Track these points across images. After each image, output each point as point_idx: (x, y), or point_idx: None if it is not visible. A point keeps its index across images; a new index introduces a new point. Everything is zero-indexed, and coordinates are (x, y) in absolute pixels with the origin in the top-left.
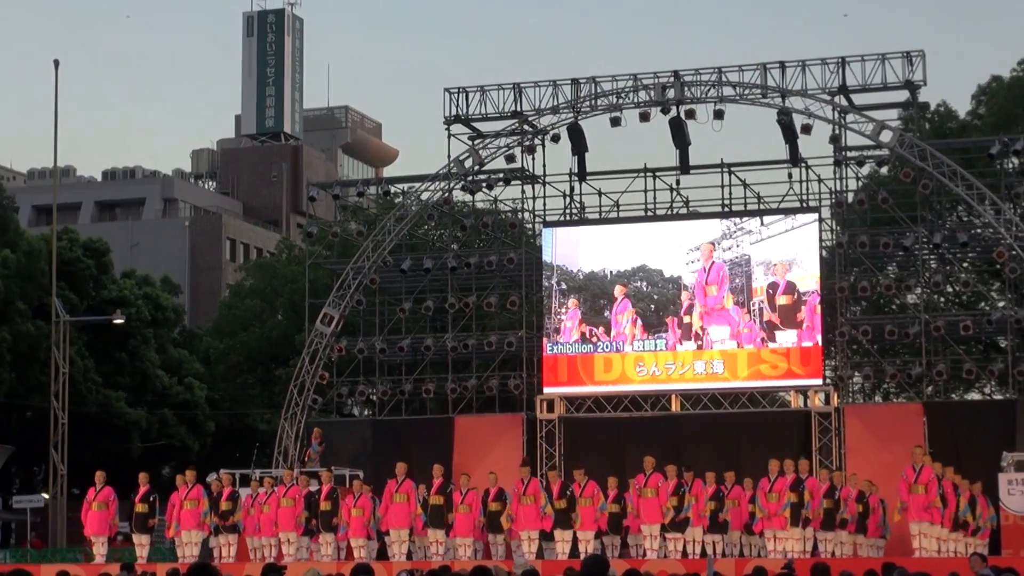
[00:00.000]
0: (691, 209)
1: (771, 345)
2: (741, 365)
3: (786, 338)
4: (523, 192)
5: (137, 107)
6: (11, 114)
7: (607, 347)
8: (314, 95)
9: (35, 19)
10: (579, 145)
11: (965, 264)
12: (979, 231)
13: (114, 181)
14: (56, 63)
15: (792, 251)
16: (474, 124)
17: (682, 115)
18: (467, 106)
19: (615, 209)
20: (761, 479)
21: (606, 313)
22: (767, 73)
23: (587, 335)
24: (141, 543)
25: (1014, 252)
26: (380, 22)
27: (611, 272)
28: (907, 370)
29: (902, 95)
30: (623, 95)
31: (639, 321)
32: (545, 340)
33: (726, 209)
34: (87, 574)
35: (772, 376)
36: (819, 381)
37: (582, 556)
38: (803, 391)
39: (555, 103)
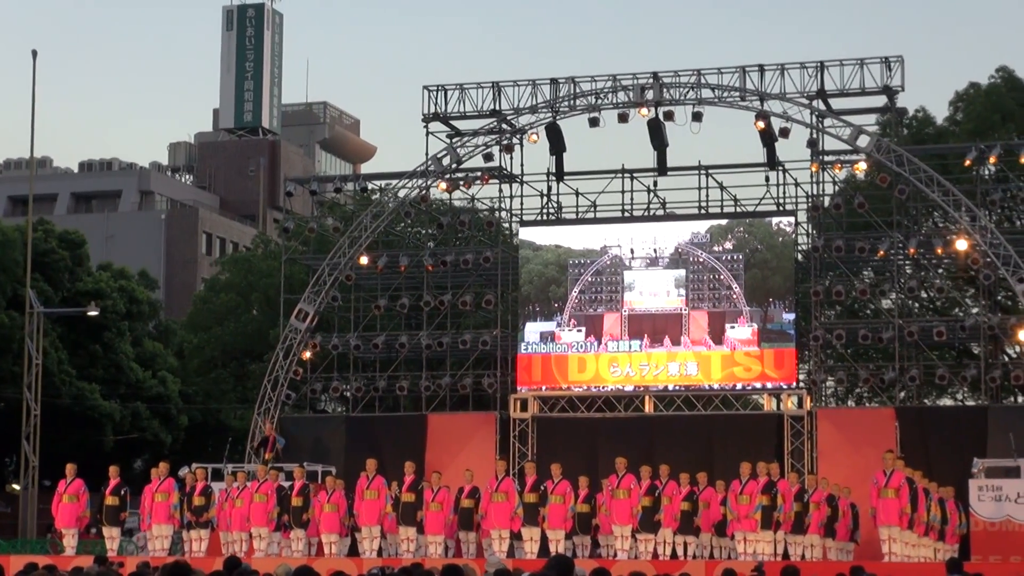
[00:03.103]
0: (668, 211)
1: (744, 349)
2: (715, 367)
3: (750, 340)
4: (500, 191)
5: (115, 99)
6: None
7: (581, 347)
8: (293, 90)
9: (13, 9)
10: (557, 145)
11: (940, 270)
12: (954, 237)
13: (90, 173)
14: (34, 53)
15: (766, 254)
16: (452, 122)
17: (660, 117)
18: (446, 104)
19: (592, 209)
20: (732, 481)
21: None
22: (746, 76)
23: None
24: (112, 536)
25: (988, 259)
26: (359, 18)
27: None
28: (880, 375)
29: (880, 100)
30: (602, 95)
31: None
32: (519, 339)
33: (703, 211)
34: (58, 566)
35: (745, 379)
36: (792, 384)
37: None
38: (776, 394)
39: (534, 102)
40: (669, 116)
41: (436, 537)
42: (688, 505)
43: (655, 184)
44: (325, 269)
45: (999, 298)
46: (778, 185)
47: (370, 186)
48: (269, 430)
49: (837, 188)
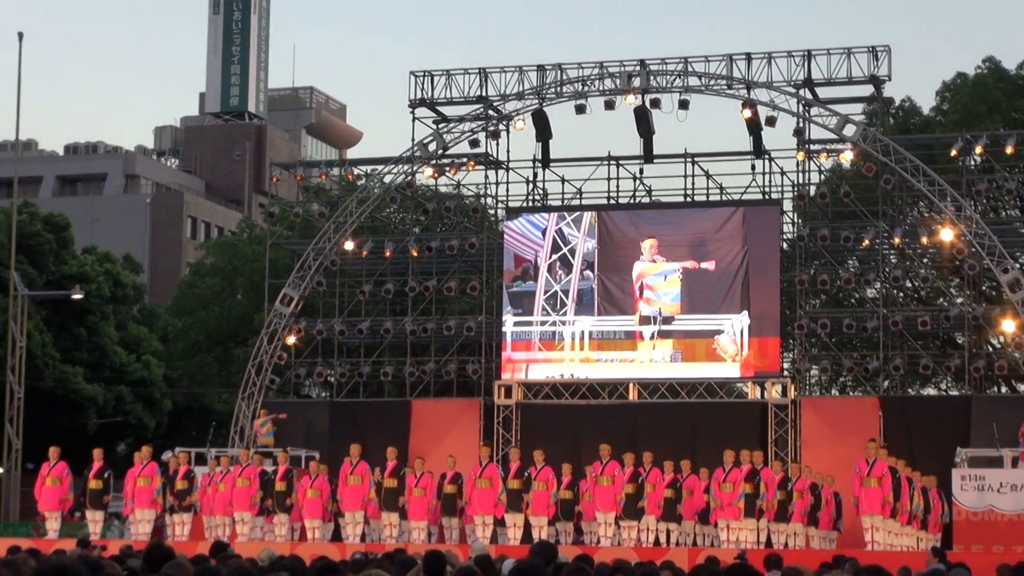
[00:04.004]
0: (654, 199)
1: (727, 336)
2: (699, 355)
3: (736, 328)
4: (486, 177)
5: (101, 82)
6: None
7: (566, 334)
8: (279, 75)
9: None
10: (543, 131)
11: (925, 260)
12: (939, 227)
13: (76, 156)
14: (20, 36)
15: (750, 242)
16: (439, 108)
17: (647, 104)
18: (432, 90)
19: (578, 196)
20: (716, 469)
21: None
22: (733, 64)
23: (544, 321)
24: (95, 519)
25: (973, 249)
26: (347, 4)
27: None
28: (864, 364)
29: (867, 89)
30: (588, 82)
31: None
32: (504, 326)
33: (688, 199)
34: (40, 549)
35: (730, 367)
36: (776, 373)
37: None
38: (760, 382)
39: (520, 89)
40: (655, 103)
41: (419, 523)
42: (671, 492)
43: (641, 171)
44: (310, 254)
45: (984, 288)
46: (764, 174)
47: (356, 171)
48: (258, 425)
49: (823, 177)
